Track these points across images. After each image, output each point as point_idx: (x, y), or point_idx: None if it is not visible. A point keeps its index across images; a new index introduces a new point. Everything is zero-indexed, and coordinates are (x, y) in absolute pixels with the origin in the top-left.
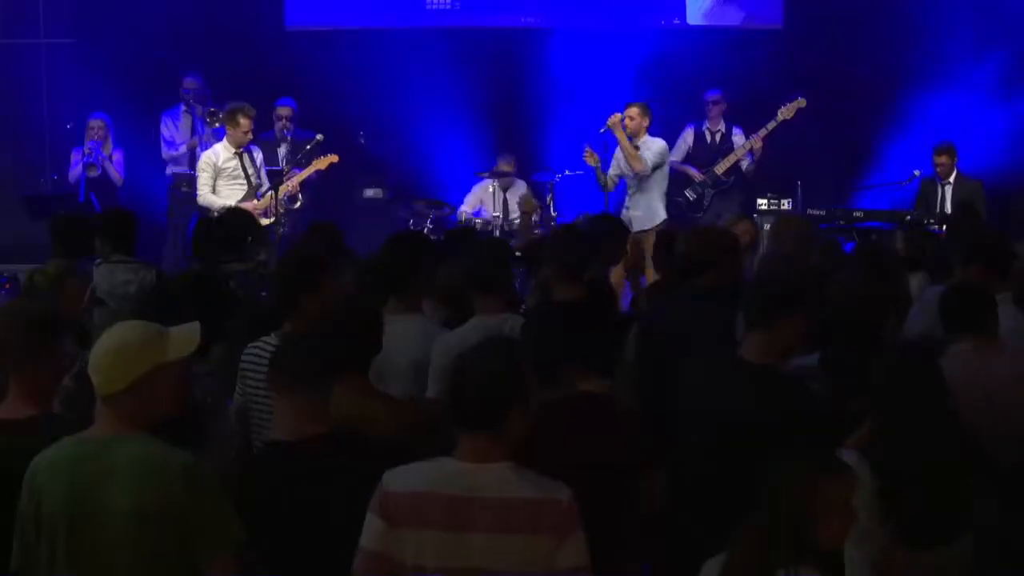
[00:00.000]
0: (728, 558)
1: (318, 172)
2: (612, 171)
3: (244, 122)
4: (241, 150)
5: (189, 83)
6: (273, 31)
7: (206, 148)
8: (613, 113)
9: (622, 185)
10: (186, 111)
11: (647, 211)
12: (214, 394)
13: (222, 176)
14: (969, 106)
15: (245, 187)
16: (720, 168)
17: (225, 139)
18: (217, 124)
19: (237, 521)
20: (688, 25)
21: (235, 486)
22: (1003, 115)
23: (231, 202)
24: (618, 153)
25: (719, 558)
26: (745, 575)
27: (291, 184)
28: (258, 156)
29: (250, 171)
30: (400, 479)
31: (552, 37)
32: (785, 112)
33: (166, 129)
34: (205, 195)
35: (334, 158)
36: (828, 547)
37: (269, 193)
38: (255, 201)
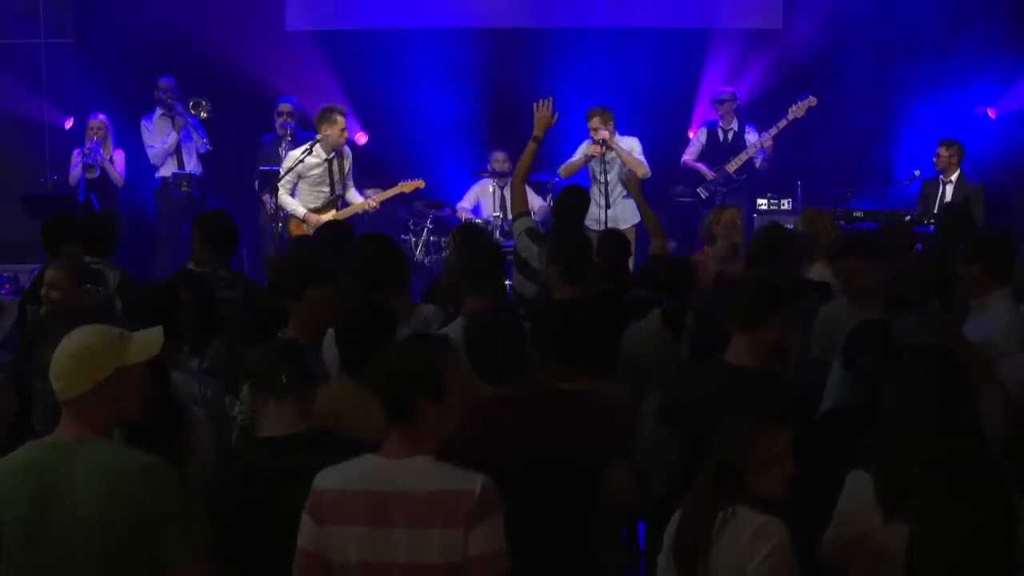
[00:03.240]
0: (683, 507)
1: None
2: (577, 159)
3: (341, 119)
4: (332, 156)
5: (163, 84)
6: (273, 31)
7: (190, 141)
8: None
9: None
10: (164, 113)
11: (629, 211)
12: (215, 387)
13: (306, 180)
14: (968, 106)
15: (328, 192)
16: (731, 166)
17: (318, 143)
18: (204, 114)
19: (204, 524)
20: (688, 26)
21: (218, 483)
22: (1003, 115)
23: (301, 210)
24: (587, 149)
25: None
26: (695, 518)
27: (371, 204)
28: (347, 161)
29: (336, 177)
30: (328, 477)
31: (552, 37)
32: (796, 110)
33: (145, 133)
34: (282, 196)
35: (420, 183)
36: (767, 494)
37: (350, 203)
38: (333, 212)
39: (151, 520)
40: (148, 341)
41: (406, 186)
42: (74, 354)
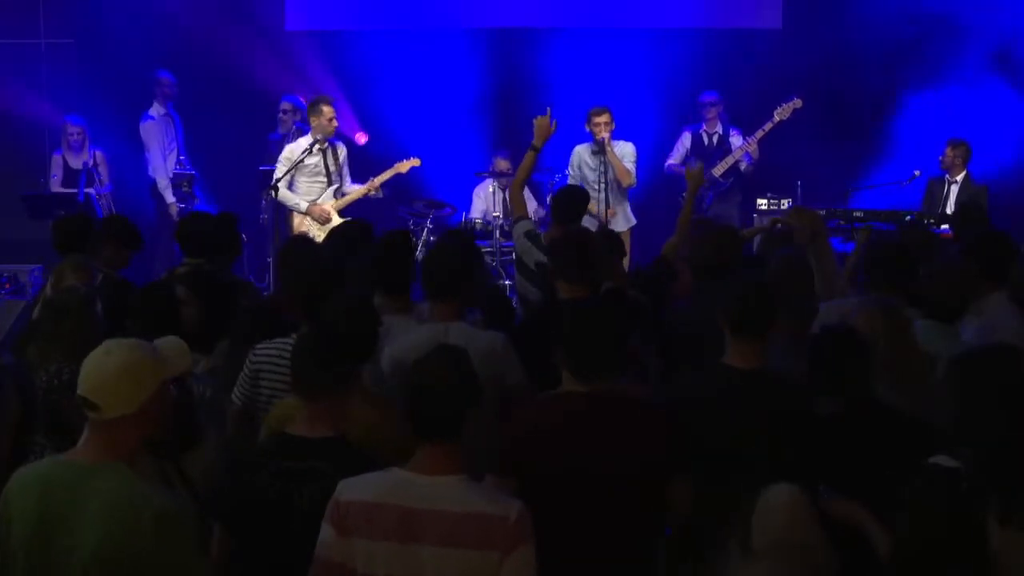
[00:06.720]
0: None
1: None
2: (571, 182)
3: (327, 110)
4: (325, 145)
5: (165, 80)
6: (273, 32)
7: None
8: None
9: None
10: (165, 113)
11: (625, 215)
12: (214, 388)
13: (302, 172)
14: (968, 106)
15: (325, 183)
16: (718, 170)
17: (310, 132)
18: None
19: (204, 573)
20: (688, 26)
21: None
22: (1003, 116)
23: (303, 203)
24: (579, 161)
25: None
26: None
27: (372, 186)
28: (341, 152)
29: (332, 168)
30: (353, 489)
31: (552, 37)
32: (781, 113)
33: (149, 134)
34: (282, 192)
35: (416, 161)
36: None
37: (348, 194)
38: (333, 200)
39: (150, 567)
40: (178, 352)
41: (402, 166)
42: (121, 370)
